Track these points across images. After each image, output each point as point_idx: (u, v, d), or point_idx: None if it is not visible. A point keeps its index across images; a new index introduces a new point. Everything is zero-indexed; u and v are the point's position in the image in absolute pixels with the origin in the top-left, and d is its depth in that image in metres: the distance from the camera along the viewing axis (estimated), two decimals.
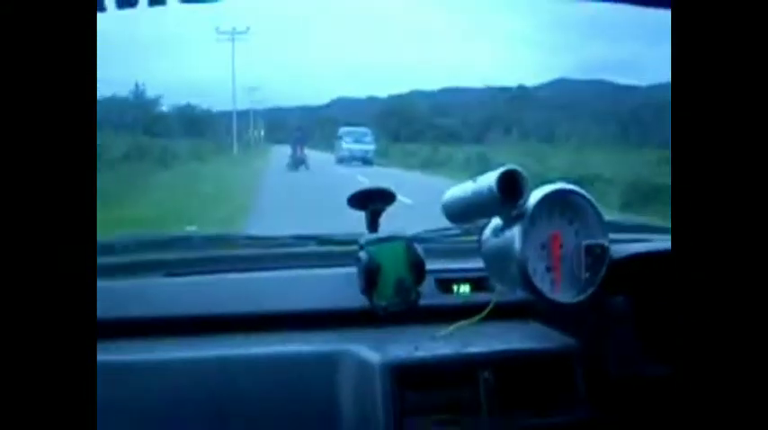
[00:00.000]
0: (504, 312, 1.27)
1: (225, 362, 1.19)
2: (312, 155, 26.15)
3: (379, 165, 26.40)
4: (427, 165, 23.68)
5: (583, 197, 1.15)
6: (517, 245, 1.11)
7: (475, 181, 1.13)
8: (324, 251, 1.53)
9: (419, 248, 1.29)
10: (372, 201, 1.34)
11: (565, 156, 18.32)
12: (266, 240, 1.61)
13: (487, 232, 1.20)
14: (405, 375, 1.13)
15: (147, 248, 1.57)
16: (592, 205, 1.15)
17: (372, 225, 1.34)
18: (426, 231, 1.49)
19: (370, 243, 1.29)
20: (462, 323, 1.25)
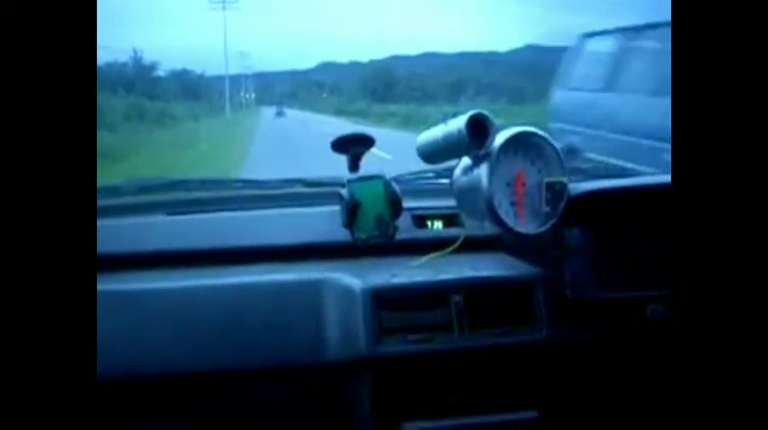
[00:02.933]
0: (472, 245, 1.29)
1: (220, 289, 1.20)
2: (295, 113, 40.32)
3: (361, 123, 26.25)
4: (407, 124, 23.56)
5: (544, 139, 1.16)
6: (484, 182, 1.13)
7: (446, 124, 1.14)
8: (310, 192, 1.53)
9: (396, 187, 1.30)
10: (354, 145, 1.34)
11: (533, 115, 18.28)
12: (258, 183, 1.61)
13: (458, 172, 1.21)
14: (383, 299, 1.15)
15: (149, 190, 1.57)
16: (552, 146, 1.16)
17: (354, 166, 1.34)
18: (403, 174, 1.49)
19: (351, 181, 1.30)
20: (436, 254, 1.27)
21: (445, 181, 1.32)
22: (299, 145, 14.91)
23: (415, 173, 1.53)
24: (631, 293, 1.21)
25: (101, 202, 1.40)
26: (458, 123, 1.11)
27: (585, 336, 1.21)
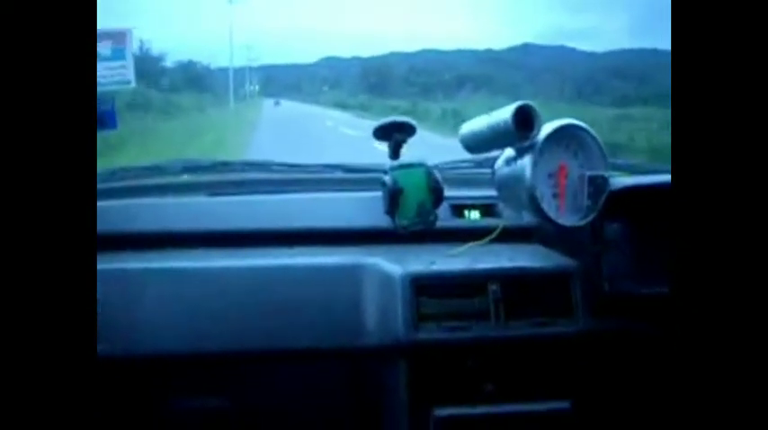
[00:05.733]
0: (510, 235, 1.27)
1: (261, 270, 1.19)
2: (295, 105, 43.12)
3: (362, 117, 26.22)
4: (408, 117, 23.52)
5: (587, 132, 1.14)
6: (528, 173, 1.11)
7: (490, 115, 1.12)
8: (349, 178, 1.52)
9: (438, 175, 1.28)
10: (396, 132, 1.32)
11: None
12: (298, 167, 1.60)
13: (500, 162, 1.19)
14: (422, 286, 1.14)
15: (192, 171, 1.56)
16: (595, 140, 1.14)
17: (395, 153, 1.32)
18: (443, 162, 1.47)
19: (394, 168, 1.29)
20: (475, 243, 1.25)
21: (482, 171, 1.30)
22: (301, 136, 14.90)
23: (453, 162, 1.51)
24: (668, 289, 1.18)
25: (144, 182, 1.41)
26: (504, 114, 1.09)
27: (621, 330, 1.19)
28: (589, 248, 1.19)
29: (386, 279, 1.16)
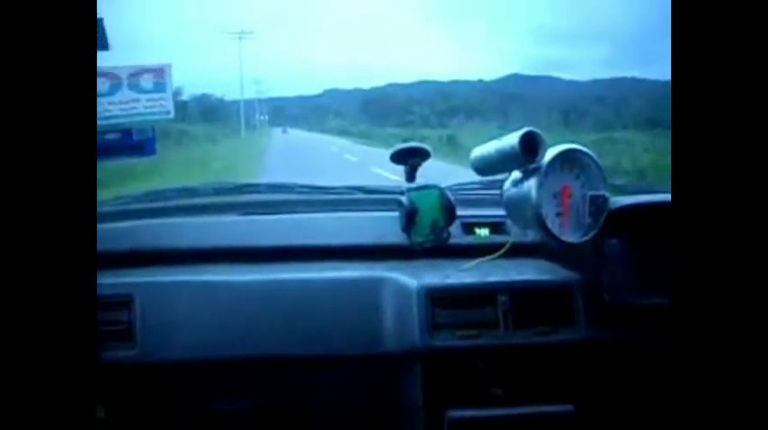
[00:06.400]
0: (517, 251, 1.28)
1: (286, 284, 1.21)
2: (302, 133, 45.27)
3: (363, 144, 26.26)
4: None
5: (588, 156, 1.14)
6: (533, 193, 1.12)
7: (500, 140, 1.13)
8: (368, 198, 1.54)
9: (451, 196, 1.30)
10: (412, 157, 1.34)
11: None
12: (320, 189, 1.61)
13: (507, 184, 1.20)
14: (437, 298, 1.15)
15: (223, 193, 1.58)
16: (595, 163, 1.14)
17: (411, 176, 1.34)
18: (454, 184, 1.49)
19: (410, 190, 1.31)
20: (485, 258, 1.26)
21: (491, 192, 1.31)
22: (307, 162, 14.89)
23: (463, 184, 1.53)
24: (665, 300, 1.18)
25: (179, 202, 1.44)
26: (511, 140, 1.10)
27: (621, 339, 1.19)
28: (590, 262, 1.20)
29: (403, 291, 1.17)
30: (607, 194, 1.15)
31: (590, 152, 1.15)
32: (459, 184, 1.51)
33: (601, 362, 1.19)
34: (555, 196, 1.14)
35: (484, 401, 1.14)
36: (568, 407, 1.15)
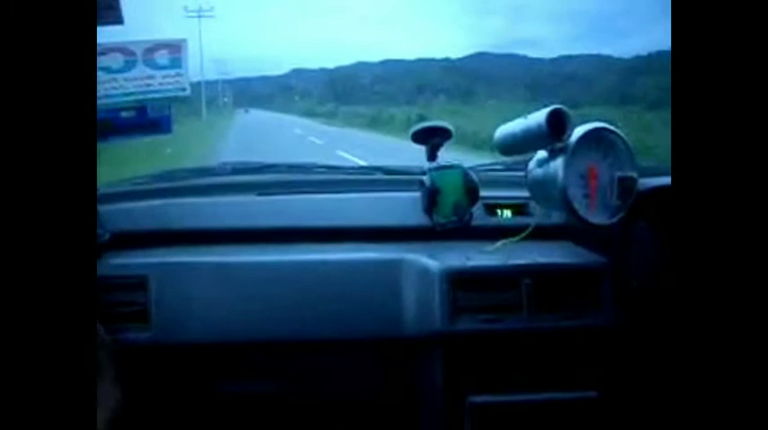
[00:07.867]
0: (541, 233, 1.24)
1: (306, 265, 1.18)
2: (266, 113, 44.65)
3: (331, 124, 26.04)
4: (373, 124, 23.37)
5: (617, 135, 1.10)
6: (560, 173, 1.07)
7: (525, 118, 1.08)
8: (388, 179, 1.50)
9: (474, 176, 1.27)
10: (433, 136, 1.30)
11: (485, 114, 18.37)
12: (340, 169, 1.59)
13: (532, 164, 1.16)
14: (458, 280, 1.12)
15: (241, 172, 1.54)
16: (624, 143, 1.10)
17: (432, 156, 1.30)
18: (477, 165, 1.45)
19: (432, 170, 1.27)
20: (508, 240, 1.22)
21: (513, 173, 1.27)
22: (269, 147, 14.58)
23: (485, 165, 1.49)
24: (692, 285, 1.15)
25: (197, 182, 1.43)
26: (538, 118, 1.05)
27: (648, 324, 1.16)
28: (617, 245, 1.16)
29: (424, 273, 1.14)
30: (635, 175, 1.10)
31: (619, 131, 1.10)
32: (481, 165, 1.48)
33: (626, 349, 1.16)
34: (582, 177, 1.09)
35: (506, 386, 1.11)
36: (592, 394, 1.12)
